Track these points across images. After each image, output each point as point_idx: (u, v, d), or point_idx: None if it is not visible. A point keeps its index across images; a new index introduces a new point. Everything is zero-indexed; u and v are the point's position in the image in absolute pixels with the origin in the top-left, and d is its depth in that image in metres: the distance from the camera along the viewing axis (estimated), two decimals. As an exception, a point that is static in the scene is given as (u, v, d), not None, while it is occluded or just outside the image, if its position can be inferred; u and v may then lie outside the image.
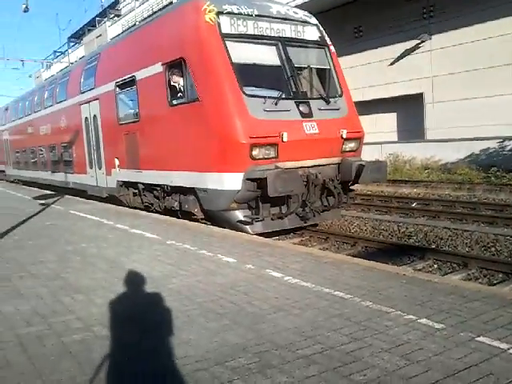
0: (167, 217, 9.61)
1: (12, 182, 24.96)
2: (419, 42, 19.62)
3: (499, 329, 3.50)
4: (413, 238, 9.15)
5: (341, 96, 9.51)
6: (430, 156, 18.53)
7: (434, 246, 8.49)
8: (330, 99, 9.21)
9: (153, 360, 3.23)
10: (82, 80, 13.91)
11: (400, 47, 20.51)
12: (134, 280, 5.12)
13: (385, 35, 20.61)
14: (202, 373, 3.00)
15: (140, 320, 3.97)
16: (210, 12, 8.42)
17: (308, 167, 8.52)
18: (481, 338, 3.35)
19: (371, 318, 3.82)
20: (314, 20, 9.97)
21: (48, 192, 16.85)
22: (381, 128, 20.98)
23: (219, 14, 8.47)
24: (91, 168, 13.60)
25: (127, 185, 11.66)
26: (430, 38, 19.31)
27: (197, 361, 3.16)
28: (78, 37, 51.68)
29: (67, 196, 14.90)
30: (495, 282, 6.64)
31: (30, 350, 3.45)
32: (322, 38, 9.86)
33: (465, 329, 3.52)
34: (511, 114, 16.53)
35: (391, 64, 21.06)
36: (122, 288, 4.90)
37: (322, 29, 9.96)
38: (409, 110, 20.97)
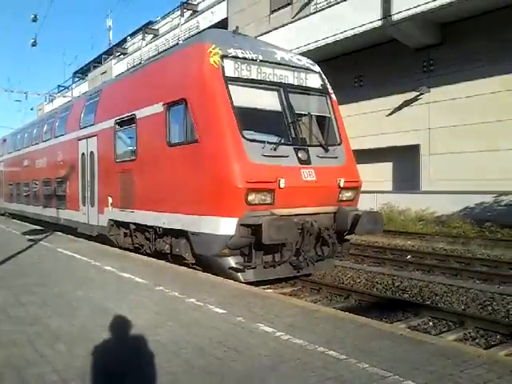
0: (157, 260, 9.38)
1: (2, 215, 24.64)
2: (418, 94, 19.96)
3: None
4: (407, 293, 8.95)
5: (340, 144, 9.50)
6: (425, 207, 18.51)
7: (428, 302, 8.29)
8: (329, 147, 9.19)
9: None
10: (82, 115, 13.94)
11: (399, 98, 20.84)
12: (119, 329, 4.88)
13: (384, 86, 20.98)
14: None
15: (122, 377, 3.73)
16: (214, 55, 8.49)
17: (304, 215, 8.39)
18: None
19: (368, 382, 3.61)
20: (316, 68, 10.09)
21: (38, 227, 16.58)
22: (376, 177, 21.05)
23: (224, 57, 8.54)
24: (84, 205, 13.43)
25: (118, 224, 11.47)
26: (429, 91, 19.65)
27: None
28: (83, 72, 52.62)
29: (57, 233, 14.64)
30: (493, 343, 6.42)
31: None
32: (323, 85, 9.95)
33: (467, 400, 3.31)
34: (506, 169, 16.62)
35: (389, 114, 21.35)
36: (105, 338, 4.65)
37: (324, 77, 10.06)
38: (405, 161, 21.11)
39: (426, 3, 16.71)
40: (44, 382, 3.62)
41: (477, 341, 6.51)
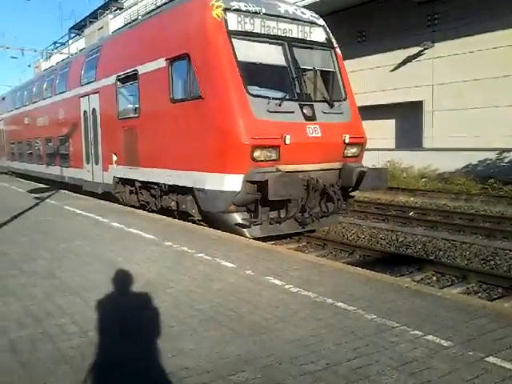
0: (164, 216, 9.46)
1: (5, 173, 24.67)
2: (422, 49, 19.58)
3: (508, 350, 3.40)
4: (411, 249, 9.06)
5: (345, 100, 9.41)
6: (428, 165, 18.47)
7: (432, 258, 8.41)
8: (334, 103, 9.11)
9: (150, 371, 3.10)
10: (83, 72, 13.74)
11: (402, 54, 20.45)
12: (130, 282, 4.98)
13: (387, 41, 20.55)
14: (203, 387, 2.88)
15: (137, 328, 3.84)
16: (217, 8, 8.29)
17: (309, 171, 8.40)
18: (490, 359, 3.25)
19: (376, 332, 3.71)
20: (321, 21, 9.86)
21: (43, 186, 16.62)
22: (379, 134, 20.90)
23: (226, 10, 8.34)
24: (88, 163, 13.42)
25: (124, 182, 11.49)
26: (433, 46, 19.27)
27: (198, 373, 3.04)
28: (79, 28, 51.31)
29: (62, 191, 14.69)
30: (495, 296, 6.55)
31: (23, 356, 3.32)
32: (328, 39, 9.76)
33: (473, 348, 3.42)
34: (510, 125, 16.51)
35: (392, 70, 21.01)
36: (118, 290, 4.77)
37: (328, 30, 9.85)
38: (408, 118, 20.93)
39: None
40: (65, 332, 3.72)
41: (479, 295, 6.64)
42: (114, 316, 4.10)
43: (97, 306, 4.27)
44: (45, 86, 17.70)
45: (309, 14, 9.76)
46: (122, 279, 5.08)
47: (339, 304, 4.34)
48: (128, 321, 3.98)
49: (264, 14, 8.74)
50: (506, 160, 16.44)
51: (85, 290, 4.74)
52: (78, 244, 6.96)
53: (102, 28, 43.57)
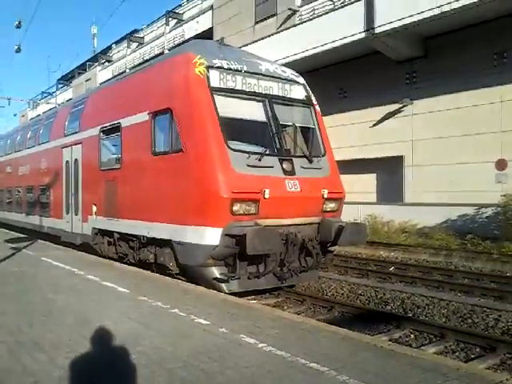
0: (141, 270, 9.33)
1: None
2: (401, 106, 20.21)
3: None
4: (390, 305, 9.01)
5: (324, 155, 9.59)
6: (408, 219, 18.66)
7: (410, 315, 8.36)
8: (313, 158, 9.27)
9: None
10: (67, 123, 13.88)
11: (382, 110, 21.03)
12: (101, 339, 4.85)
13: (368, 97, 21.17)
14: None
15: (103, 387, 3.72)
16: (200, 65, 8.54)
17: (288, 226, 8.44)
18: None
19: (348, 395, 3.64)
20: (301, 79, 10.19)
21: (21, 235, 16.37)
22: (361, 188, 21.20)
23: (209, 67, 8.59)
24: (67, 213, 13.32)
25: (103, 233, 11.39)
26: (412, 103, 19.92)
27: None
28: (67, 79, 52.21)
29: (40, 241, 14.47)
30: (472, 356, 6.50)
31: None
32: (308, 97, 10.05)
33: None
34: (488, 181, 16.87)
35: (373, 126, 21.57)
36: (87, 348, 4.63)
37: (308, 88, 10.17)
38: (389, 172, 21.31)
39: (409, 17, 16.96)
40: (24, 393, 3.59)
41: (457, 354, 6.57)
42: (81, 377, 3.97)
43: (64, 366, 4.13)
44: (29, 136, 17.80)
45: (289, 73, 10.10)
46: (93, 336, 4.94)
47: (312, 364, 4.27)
48: (95, 382, 3.84)
49: (245, 71, 9.02)
50: (484, 215, 16.70)
51: (53, 348, 4.60)
52: (51, 297, 6.81)
53: (89, 79, 44.38)
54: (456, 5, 15.62)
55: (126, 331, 5.15)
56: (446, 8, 15.85)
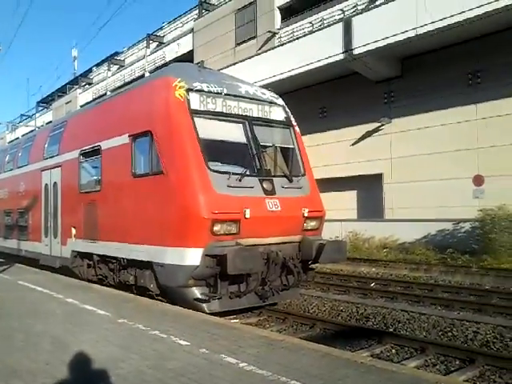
0: (121, 292, 9.26)
1: None
2: (379, 124, 20.58)
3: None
4: (371, 321, 9.07)
5: (304, 175, 9.70)
6: (389, 235, 18.87)
7: (392, 330, 8.43)
8: (293, 178, 9.38)
9: None
10: (46, 146, 13.80)
11: (362, 128, 21.37)
12: (80, 364, 4.81)
13: (348, 117, 21.53)
14: None
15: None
16: (180, 88, 8.63)
17: (269, 245, 8.49)
18: None
19: (327, 412, 3.67)
20: (280, 101, 10.35)
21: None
22: (342, 205, 21.40)
23: (189, 90, 8.68)
24: (46, 236, 13.17)
25: (82, 255, 11.28)
26: (390, 122, 20.31)
27: None
28: (47, 102, 51.99)
29: (18, 264, 14.25)
30: (452, 368, 6.57)
31: None
32: (287, 118, 10.20)
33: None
34: (465, 197, 17.19)
35: (353, 144, 21.88)
36: (65, 373, 4.57)
37: (287, 110, 10.33)
38: (369, 189, 21.58)
39: (385, 38, 17.44)
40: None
41: (437, 367, 6.64)
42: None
43: (40, 391, 4.09)
44: (7, 159, 17.63)
45: (268, 94, 10.26)
46: (71, 361, 4.89)
47: (292, 382, 4.29)
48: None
49: (225, 94, 9.13)
50: (463, 230, 16.97)
51: (30, 374, 4.54)
52: (29, 322, 6.71)
53: (70, 102, 44.21)
54: (430, 27, 16.18)
55: (105, 355, 5.11)
56: (422, 30, 16.40)
